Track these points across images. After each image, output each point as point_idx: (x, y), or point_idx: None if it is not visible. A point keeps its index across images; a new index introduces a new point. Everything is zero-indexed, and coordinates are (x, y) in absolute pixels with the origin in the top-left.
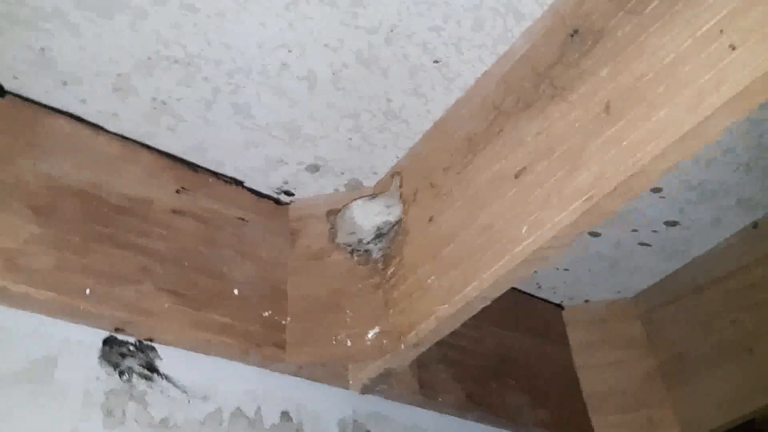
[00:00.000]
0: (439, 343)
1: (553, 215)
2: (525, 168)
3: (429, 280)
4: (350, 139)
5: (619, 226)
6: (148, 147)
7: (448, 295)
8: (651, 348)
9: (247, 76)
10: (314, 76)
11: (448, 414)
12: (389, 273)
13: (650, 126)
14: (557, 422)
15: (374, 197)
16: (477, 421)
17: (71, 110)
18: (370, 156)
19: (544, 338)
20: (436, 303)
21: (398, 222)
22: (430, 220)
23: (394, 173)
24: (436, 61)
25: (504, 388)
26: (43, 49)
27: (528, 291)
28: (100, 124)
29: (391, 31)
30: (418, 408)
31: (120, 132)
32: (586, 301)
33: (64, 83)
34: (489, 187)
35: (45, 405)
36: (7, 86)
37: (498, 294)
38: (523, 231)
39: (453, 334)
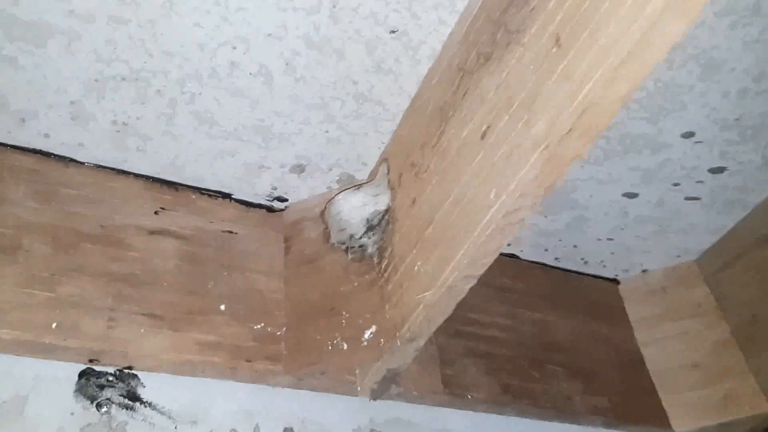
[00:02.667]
0: (464, 336)
1: (517, 172)
2: (489, 127)
3: (416, 267)
4: (326, 131)
5: (657, 182)
6: (122, 172)
7: (431, 281)
8: (721, 314)
9: (199, 82)
10: (267, 71)
11: (483, 411)
12: (383, 266)
13: (596, 51)
14: (619, 407)
15: (359, 188)
16: (519, 415)
17: (36, 146)
18: (353, 146)
19: (598, 318)
20: (422, 291)
21: (387, 210)
22: (413, 202)
23: (382, 160)
24: (392, 32)
25: (548, 377)
26: None
27: (574, 269)
28: (68, 155)
29: (334, 6)
30: (447, 409)
31: (89, 161)
32: (644, 271)
33: (22, 120)
34: (458, 156)
35: None
36: None
37: (480, 271)
38: (491, 196)
39: (480, 324)
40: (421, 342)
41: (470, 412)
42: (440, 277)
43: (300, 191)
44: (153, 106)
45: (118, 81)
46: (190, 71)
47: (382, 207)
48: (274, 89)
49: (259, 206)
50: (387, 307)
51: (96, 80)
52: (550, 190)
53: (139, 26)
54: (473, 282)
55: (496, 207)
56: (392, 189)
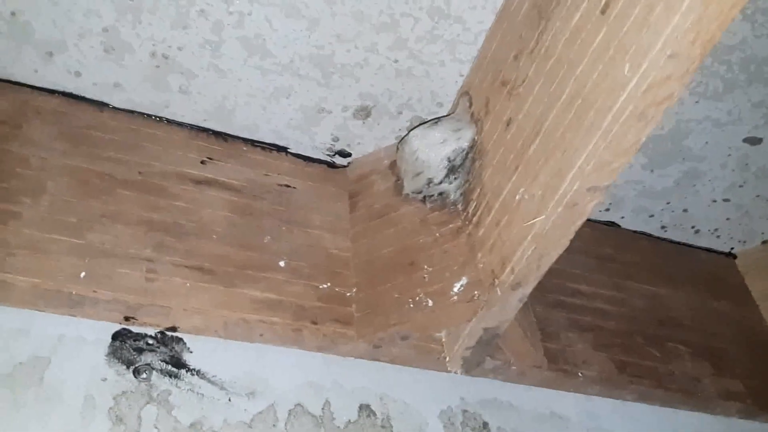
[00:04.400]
0: (566, 307)
1: (662, 29)
2: None
3: (518, 196)
4: (395, 61)
5: None
6: (164, 120)
7: (542, 203)
8: None
9: None
10: None
11: (596, 395)
12: (470, 210)
13: None
14: (757, 393)
15: (437, 122)
16: (639, 400)
17: (66, 88)
18: (427, 80)
19: (716, 294)
20: (529, 218)
21: (472, 146)
22: (508, 124)
23: (462, 94)
24: None
25: (670, 356)
26: (13, 14)
27: (684, 240)
28: (102, 99)
29: None
30: (552, 390)
31: (126, 106)
32: (764, 242)
33: (50, 54)
34: (571, 46)
35: (31, 414)
36: None
37: (609, 180)
38: (626, 72)
39: (583, 294)
40: (528, 289)
41: (581, 396)
42: (555, 195)
43: (365, 142)
44: (196, 32)
45: None
46: None
47: (466, 143)
48: (335, 3)
49: (319, 161)
50: (479, 255)
51: None
52: (710, 44)
53: None
54: (599, 197)
55: (634, 82)
56: (477, 121)
